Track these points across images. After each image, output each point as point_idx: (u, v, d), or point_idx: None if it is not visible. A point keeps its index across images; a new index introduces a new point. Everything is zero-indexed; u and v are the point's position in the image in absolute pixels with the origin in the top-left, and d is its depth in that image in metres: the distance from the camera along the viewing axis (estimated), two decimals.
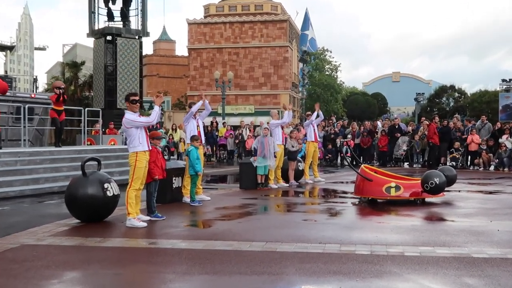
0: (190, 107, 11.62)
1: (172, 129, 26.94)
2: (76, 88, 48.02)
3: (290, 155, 14.48)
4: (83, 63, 50.50)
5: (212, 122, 28.03)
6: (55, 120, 15.69)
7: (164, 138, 24.37)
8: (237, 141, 26.01)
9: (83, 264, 6.08)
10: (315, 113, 15.51)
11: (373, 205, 10.65)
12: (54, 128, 16.22)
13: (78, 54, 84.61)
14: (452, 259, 6.10)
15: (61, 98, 15.62)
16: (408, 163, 21.98)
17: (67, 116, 16.96)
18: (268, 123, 14.40)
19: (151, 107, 55.37)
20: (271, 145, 13.52)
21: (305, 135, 22.75)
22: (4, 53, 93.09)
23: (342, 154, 22.28)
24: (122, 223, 8.55)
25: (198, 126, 11.46)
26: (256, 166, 13.33)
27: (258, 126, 22.61)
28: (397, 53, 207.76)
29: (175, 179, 10.94)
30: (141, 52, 33.93)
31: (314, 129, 15.47)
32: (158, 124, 28.65)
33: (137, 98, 8.63)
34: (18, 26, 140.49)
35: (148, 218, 8.79)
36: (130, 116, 8.47)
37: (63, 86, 15.95)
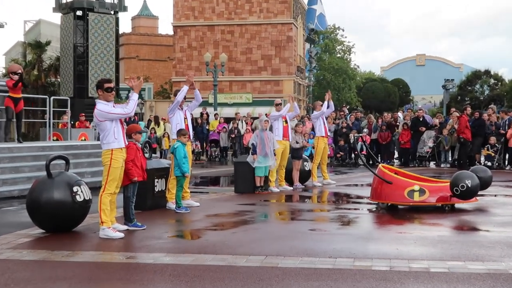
0: (175, 95, 11.60)
1: (155, 122, 26.96)
2: (40, 72, 47.91)
3: (294, 153, 14.49)
4: (48, 43, 50.33)
5: (202, 114, 28.03)
6: (9, 109, 15.51)
7: (145, 132, 24.39)
8: (232, 135, 26.01)
9: (48, 282, 6.08)
10: (326, 103, 15.50)
11: (393, 212, 10.66)
12: (5, 120, 15.99)
13: (43, 33, 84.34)
14: (486, 275, 6.11)
15: (20, 84, 15.53)
16: (434, 162, 22.01)
17: (29, 106, 16.93)
18: (266, 114, 14.41)
19: (140, 96, 55.50)
20: (271, 141, 13.53)
21: (313, 129, 22.81)
22: None
23: (356, 152, 22.29)
24: (95, 233, 8.55)
25: (185, 118, 11.45)
26: (254, 166, 13.33)
27: (257, 118, 22.60)
28: (422, 33, 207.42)
29: (157, 181, 10.94)
30: (117, 30, 33.93)
31: (323, 122, 15.47)
32: (136, 116, 28.67)
33: (112, 85, 8.61)
34: None
35: (125, 227, 8.80)
36: (103, 107, 8.43)
37: (20, 71, 15.83)
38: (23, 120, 16.50)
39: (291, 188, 14.32)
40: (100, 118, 8.42)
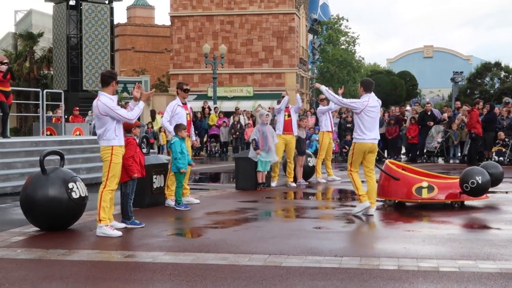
0: (179, 89, 11.46)
1: (151, 116, 26.98)
2: (32, 65, 47.94)
3: (297, 149, 14.50)
4: (40, 34, 50.37)
5: (203, 108, 28.03)
6: (3, 104, 15.59)
7: (142, 127, 24.44)
8: (234, 132, 26.02)
9: (43, 281, 6.11)
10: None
11: (400, 209, 10.69)
12: (2, 114, 16.08)
13: (34, 23, 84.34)
14: (498, 275, 6.15)
15: (8, 76, 15.55)
16: (443, 158, 22.03)
17: (21, 100, 16.97)
18: (270, 108, 14.40)
19: (124, 89, 55.31)
20: (272, 136, 13.55)
21: (316, 124, 22.82)
22: None
23: None
24: (92, 231, 8.58)
25: (188, 114, 11.42)
26: (257, 161, 13.34)
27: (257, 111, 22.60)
28: (431, 22, 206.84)
29: (155, 178, 10.97)
30: (112, 21, 33.89)
31: (329, 117, 15.48)
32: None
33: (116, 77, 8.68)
34: None
35: (123, 225, 8.84)
36: (107, 102, 8.38)
37: (6, 61, 15.83)
38: (9, 114, 16.43)
39: (294, 184, 14.34)
40: (102, 112, 8.38)
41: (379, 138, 10.34)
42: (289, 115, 14.39)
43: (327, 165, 15.60)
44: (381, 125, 22.93)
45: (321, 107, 15.65)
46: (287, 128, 14.28)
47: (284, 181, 14.74)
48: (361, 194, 10.04)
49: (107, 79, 8.57)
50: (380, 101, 10.43)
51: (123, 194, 9.09)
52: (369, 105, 10.01)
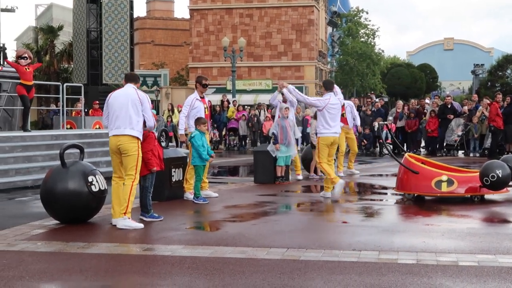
0: (200, 83, 11.42)
1: (168, 110, 27.04)
2: (53, 58, 48.30)
3: (312, 143, 14.46)
4: (60, 27, 50.72)
5: (222, 102, 28.03)
6: (24, 98, 15.76)
7: (159, 121, 24.55)
8: (250, 124, 26.03)
9: (63, 274, 6.16)
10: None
11: (419, 203, 10.65)
12: (23, 108, 16.27)
13: (55, 17, 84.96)
14: None
15: (31, 69, 15.76)
16: (463, 151, 21.88)
17: (41, 93, 17.12)
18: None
19: (144, 83, 55.38)
20: (293, 129, 13.53)
21: None
22: None
23: (381, 140, 22.24)
24: (110, 224, 8.63)
25: (206, 108, 11.41)
26: (276, 156, 13.34)
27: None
28: (452, 14, 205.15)
29: (174, 171, 10.99)
30: (131, 14, 33.99)
31: (350, 111, 15.35)
32: (152, 104, 28.77)
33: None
34: None
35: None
36: (147, 100, 8.80)
37: (26, 55, 15.98)
38: (30, 108, 16.64)
39: (301, 177, 14.22)
40: (142, 101, 8.69)
41: (340, 132, 11.62)
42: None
43: (339, 160, 15.29)
44: (400, 118, 22.88)
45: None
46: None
47: (303, 174, 14.72)
48: (333, 177, 11.02)
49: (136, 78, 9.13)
50: (342, 99, 11.74)
51: (143, 188, 9.12)
52: (330, 103, 11.14)
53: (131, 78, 9.00)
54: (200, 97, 11.32)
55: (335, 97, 11.23)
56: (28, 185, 13.20)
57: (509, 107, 20.64)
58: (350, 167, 15.50)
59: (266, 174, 13.55)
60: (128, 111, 8.56)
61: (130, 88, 8.78)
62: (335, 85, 11.55)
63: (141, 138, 8.65)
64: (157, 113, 27.65)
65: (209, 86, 11.89)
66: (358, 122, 15.88)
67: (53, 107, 30.31)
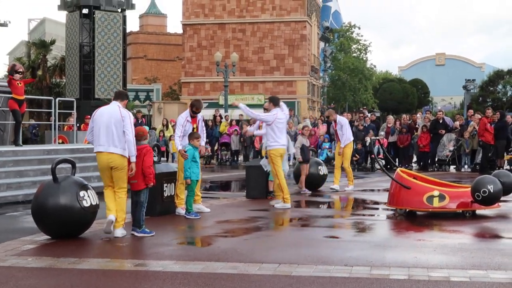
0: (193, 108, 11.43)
1: (163, 125, 27.04)
2: (45, 73, 48.22)
3: (301, 157, 14.49)
4: (53, 42, 50.67)
5: (215, 116, 28.05)
6: (16, 112, 15.74)
7: (151, 135, 24.53)
8: (242, 139, 26.01)
9: None
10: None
11: (411, 218, 10.65)
12: (15, 122, 16.23)
13: (47, 31, 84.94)
14: (509, 285, 6.11)
15: (23, 84, 15.79)
16: (455, 166, 21.94)
17: (33, 108, 17.08)
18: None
19: (136, 97, 55.38)
20: (286, 145, 13.54)
21: (328, 133, 22.83)
22: None
23: (373, 155, 22.27)
24: (102, 239, 8.61)
25: (194, 128, 11.38)
26: (267, 170, 13.35)
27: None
28: (444, 30, 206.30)
29: (166, 186, 10.97)
30: (124, 29, 34.09)
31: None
32: (144, 119, 28.75)
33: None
34: None
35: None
36: (129, 117, 8.98)
37: (21, 70, 16.02)
38: (21, 122, 16.61)
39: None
40: (131, 121, 8.96)
41: (286, 144, 12.40)
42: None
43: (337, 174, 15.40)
44: (392, 133, 22.94)
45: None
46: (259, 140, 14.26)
47: (295, 189, 14.73)
48: (287, 197, 11.90)
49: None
50: (287, 114, 12.58)
51: (137, 202, 9.12)
52: (278, 117, 11.99)
53: (117, 95, 9.26)
54: (191, 117, 11.33)
55: (281, 112, 12.10)
56: (19, 200, 13.15)
57: (500, 122, 20.75)
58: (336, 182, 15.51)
59: (258, 189, 13.54)
60: (111, 129, 8.80)
61: (115, 106, 8.98)
62: (281, 101, 12.45)
63: (126, 155, 8.80)
64: (150, 128, 27.62)
65: (203, 105, 11.92)
66: (343, 143, 15.53)
67: (31, 121, 30.20)
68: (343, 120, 15.41)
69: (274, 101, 12.36)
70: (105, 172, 8.91)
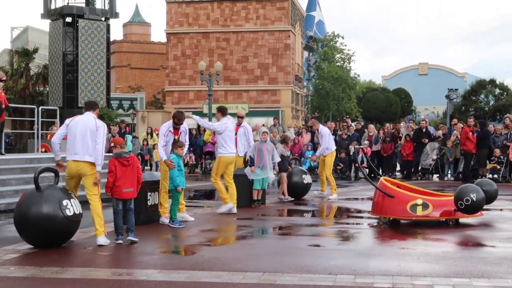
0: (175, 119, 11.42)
1: (147, 133, 26.97)
2: (28, 81, 47.97)
3: (280, 166, 14.51)
4: (36, 50, 50.45)
5: (199, 125, 27.98)
6: None
7: (135, 144, 24.46)
8: None
9: None
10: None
11: (395, 227, 10.68)
12: None
13: (30, 40, 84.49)
14: None
15: (3, 93, 15.68)
16: (438, 175, 22.04)
17: (16, 117, 16.97)
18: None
19: (120, 106, 55.20)
20: (271, 153, 13.57)
21: (311, 141, 22.86)
22: None
23: (356, 164, 22.33)
24: (85, 249, 8.56)
25: (176, 138, 11.35)
26: (250, 179, 13.35)
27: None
28: (427, 40, 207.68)
29: (150, 195, 10.94)
30: (108, 38, 34.02)
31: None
32: (128, 128, 28.65)
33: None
34: None
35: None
36: (103, 128, 9.25)
37: (4, 78, 15.93)
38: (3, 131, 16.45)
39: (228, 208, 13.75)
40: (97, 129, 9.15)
41: (235, 152, 12.83)
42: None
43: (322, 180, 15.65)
44: (376, 142, 23.02)
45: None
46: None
47: (277, 198, 14.77)
48: (225, 198, 12.40)
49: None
50: (234, 123, 13.20)
51: (130, 210, 9.23)
52: (228, 127, 12.50)
53: (90, 106, 9.51)
54: (174, 128, 11.29)
55: (230, 122, 12.69)
56: (1, 209, 13.02)
57: (482, 131, 20.89)
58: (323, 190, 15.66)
59: (242, 197, 13.49)
60: (87, 139, 9.02)
61: (90, 116, 9.24)
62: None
63: (94, 161, 9.00)
64: (133, 137, 27.53)
65: (185, 110, 12.01)
66: (319, 152, 15.77)
67: (6, 130, 29.94)
68: (323, 130, 15.57)
69: (223, 111, 12.83)
70: (73, 179, 9.21)
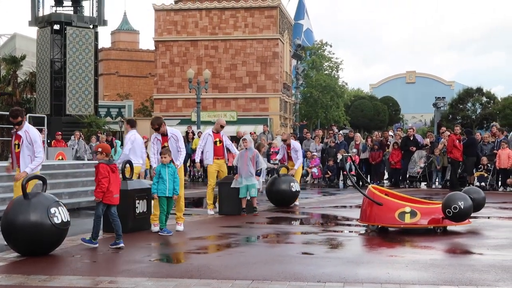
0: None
1: None
2: (15, 89, 47.74)
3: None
4: (23, 57, 50.23)
5: (187, 133, 27.99)
6: None
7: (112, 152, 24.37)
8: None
9: None
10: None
11: (383, 234, 10.70)
12: None
13: (18, 47, 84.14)
14: None
15: None
16: (426, 183, 22.12)
17: (3, 124, 16.89)
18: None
19: (108, 114, 55.14)
20: (252, 160, 13.49)
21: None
22: None
23: (345, 172, 22.36)
24: (73, 257, 8.52)
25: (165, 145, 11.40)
26: (232, 187, 13.33)
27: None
28: (415, 48, 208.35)
29: (138, 203, 10.91)
30: (96, 45, 33.95)
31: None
32: (113, 138, 28.60)
33: None
34: None
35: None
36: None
37: None
38: None
39: (212, 212, 13.69)
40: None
41: (144, 163, 13.25)
42: (220, 141, 14.24)
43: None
44: (364, 150, 23.08)
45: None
46: (218, 153, 14.12)
47: (268, 205, 14.75)
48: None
49: None
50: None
51: (115, 215, 9.31)
52: (136, 139, 12.89)
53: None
54: (162, 135, 11.32)
55: (138, 134, 13.13)
56: None
57: (469, 139, 21.01)
58: None
59: (231, 205, 13.50)
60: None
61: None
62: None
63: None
64: (121, 144, 27.43)
65: (174, 118, 12.06)
66: (296, 167, 15.95)
67: None
68: (297, 145, 16.10)
69: (131, 123, 13.38)
70: None
